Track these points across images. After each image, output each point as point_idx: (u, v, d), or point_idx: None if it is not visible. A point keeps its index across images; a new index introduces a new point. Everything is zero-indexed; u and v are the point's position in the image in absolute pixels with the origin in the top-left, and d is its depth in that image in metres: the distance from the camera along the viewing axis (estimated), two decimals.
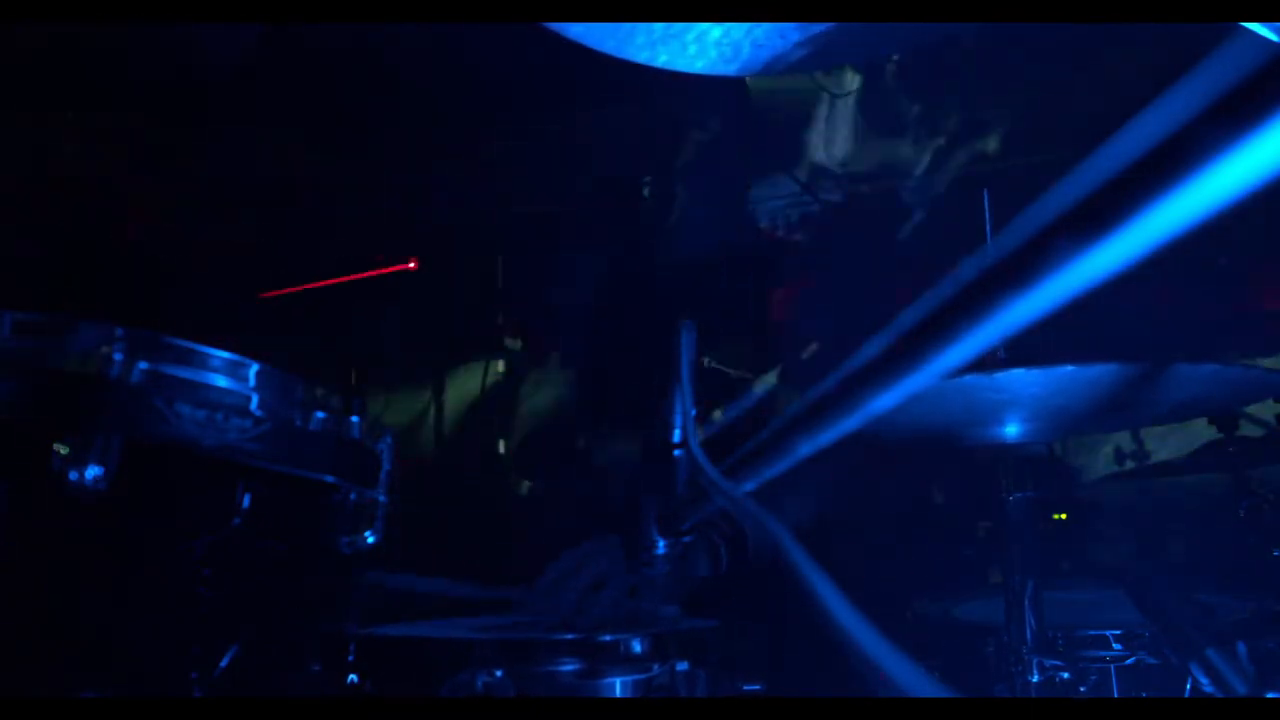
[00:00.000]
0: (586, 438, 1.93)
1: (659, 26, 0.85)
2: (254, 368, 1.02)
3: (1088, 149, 0.30)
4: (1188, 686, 1.35)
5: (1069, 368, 1.15)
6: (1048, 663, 1.45)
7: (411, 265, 2.56)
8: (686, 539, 1.02)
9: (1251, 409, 2.18)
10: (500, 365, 3.97)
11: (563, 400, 2.22)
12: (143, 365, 0.92)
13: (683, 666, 1.24)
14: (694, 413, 0.96)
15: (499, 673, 1.16)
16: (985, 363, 1.19)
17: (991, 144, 3.85)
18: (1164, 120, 0.27)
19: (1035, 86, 3.67)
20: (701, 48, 0.89)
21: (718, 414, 1.13)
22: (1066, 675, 1.51)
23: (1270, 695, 1.32)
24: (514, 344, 3.05)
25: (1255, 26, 0.38)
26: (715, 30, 0.85)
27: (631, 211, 2.31)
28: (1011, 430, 1.44)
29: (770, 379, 1.99)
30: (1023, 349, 1.16)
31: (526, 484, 2.12)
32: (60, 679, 0.91)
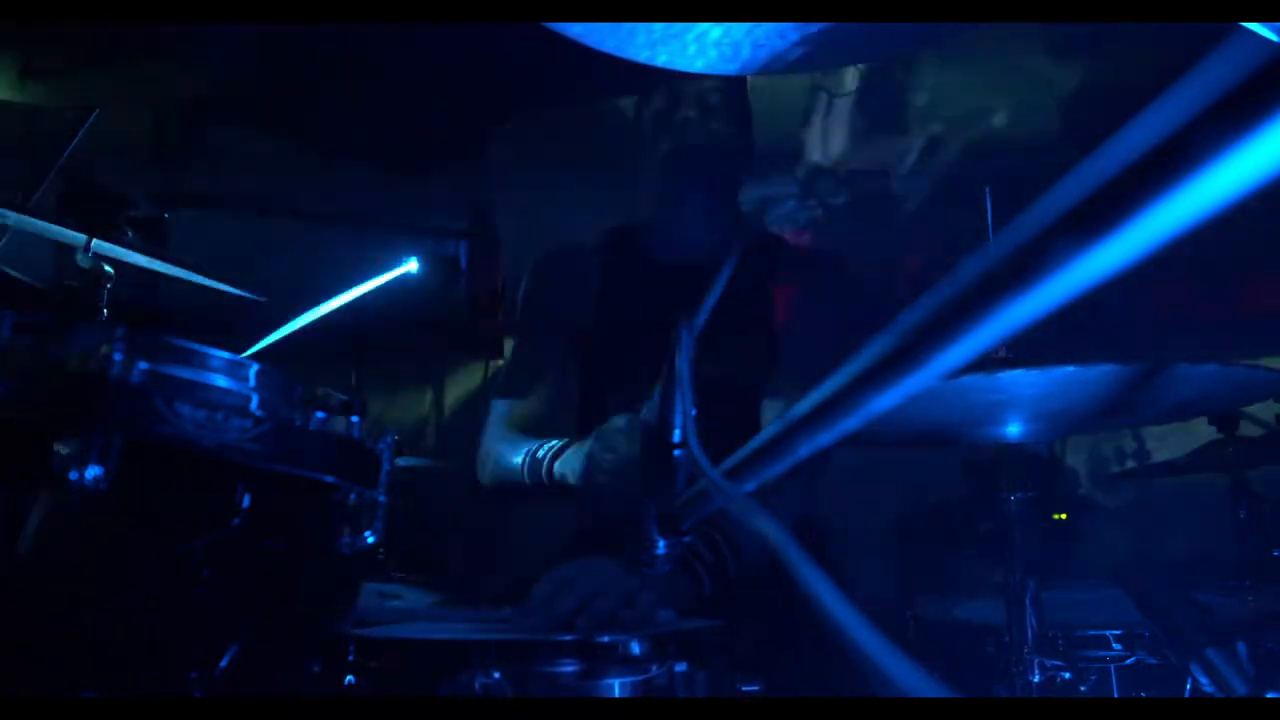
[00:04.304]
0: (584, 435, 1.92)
1: (659, 26, 0.85)
2: (254, 368, 1.02)
3: (1089, 147, 0.30)
4: (1188, 686, 1.35)
5: (1069, 368, 1.15)
6: (1048, 663, 1.45)
7: (412, 265, 2.55)
8: (686, 539, 1.02)
9: (1251, 409, 2.18)
10: (500, 365, 3.96)
11: (561, 399, 2.22)
12: (143, 365, 0.92)
13: (681, 667, 1.24)
14: (694, 413, 0.96)
15: (496, 674, 1.16)
16: (985, 363, 1.19)
17: (991, 140, 3.85)
18: (1164, 120, 0.27)
19: (1036, 83, 3.67)
20: (701, 48, 0.89)
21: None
22: (1067, 675, 1.51)
23: (1270, 695, 1.32)
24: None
25: (1255, 26, 0.38)
26: (715, 30, 0.85)
27: (632, 211, 2.31)
28: (1012, 430, 1.44)
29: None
30: (1023, 349, 1.16)
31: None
32: (60, 679, 0.91)
